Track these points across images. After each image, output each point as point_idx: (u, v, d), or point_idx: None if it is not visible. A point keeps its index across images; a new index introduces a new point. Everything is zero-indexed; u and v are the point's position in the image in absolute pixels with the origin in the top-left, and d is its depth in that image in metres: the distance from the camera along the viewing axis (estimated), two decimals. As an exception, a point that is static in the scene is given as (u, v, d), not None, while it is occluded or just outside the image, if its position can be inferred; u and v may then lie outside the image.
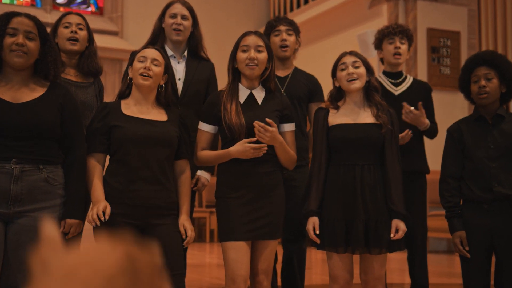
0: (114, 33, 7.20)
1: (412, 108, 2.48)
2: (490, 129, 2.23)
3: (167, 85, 2.13)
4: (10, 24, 1.85)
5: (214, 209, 6.58)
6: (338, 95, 2.17)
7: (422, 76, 5.78)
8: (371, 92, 2.14)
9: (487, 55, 2.25)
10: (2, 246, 1.80)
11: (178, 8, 2.47)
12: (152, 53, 2.08)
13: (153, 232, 1.98)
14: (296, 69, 2.71)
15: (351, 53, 2.14)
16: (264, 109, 2.09)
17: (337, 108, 2.16)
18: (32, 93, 1.88)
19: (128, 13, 7.31)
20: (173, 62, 2.47)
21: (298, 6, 7.32)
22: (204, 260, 5.28)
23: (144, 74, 2.03)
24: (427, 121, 2.56)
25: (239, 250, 1.98)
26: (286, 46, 2.62)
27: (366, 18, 6.25)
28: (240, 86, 2.12)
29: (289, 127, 2.14)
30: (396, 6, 5.93)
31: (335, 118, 2.12)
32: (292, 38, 2.64)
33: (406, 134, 2.48)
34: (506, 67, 2.20)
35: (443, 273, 4.22)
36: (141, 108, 2.07)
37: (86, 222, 2.00)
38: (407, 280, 3.28)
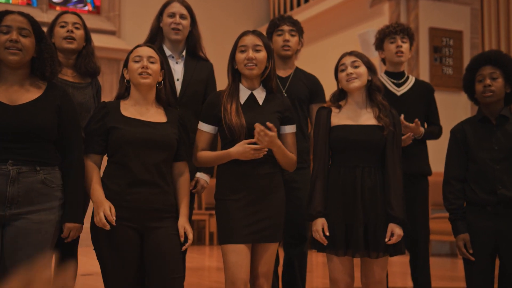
0: (112, 33, 7.20)
1: (407, 123, 2.49)
2: (494, 130, 2.23)
3: (165, 80, 2.13)
4: (3, 22, 1.85)
5: (213, 212, 6.55)
6: (341, 96, 2.18)
7: (424, 76, 5.79)
8: (373, 92, 2.14)
9: (493, 54, 2.25)
10: (-1, 249, 1.80)
11: (176, 7, 2.47)
12: (146, 51, 2.07)
13: (151, 235, 1.98)
14: (297, 69, 2.72)
15: (351, 53, 2.15)
16: (264, 110, 2.09)
17: (339, 107, 2.16)
18: (29, 94, 1.88)
19: (125, 12, 7.31)
20: (172, 62, 2.47)
21: (299, 5, 7.32)
22: (203, 264, 5.28)
23: (143, 73, 2.03)
24: (422, 129, 2.58)
25: (239, 253, 1.98)
26: (288, 47, 2.63)
27: (367, 17, 6.25)
28: (241, 86, 2.12)
29: (290, 128, 2.14)
30: (397, 5, 5.93)
31: (337, 118, 2.13)
32: (294, 39, 2.65)
33: (407, 137, 2.48)
34: (511, 67, 2.21)
35: (445, 277, 4.22)
36: (140, 109, 2.07)
37: (84, 225, 1.99)
38: (409, 283, 3.28)
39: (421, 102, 2.68)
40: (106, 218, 1.89)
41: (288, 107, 2.15)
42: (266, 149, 2.01)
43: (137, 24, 6.93)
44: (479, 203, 2.18)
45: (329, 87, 2.28)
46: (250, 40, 2.08)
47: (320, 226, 2.03)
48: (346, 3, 6.50)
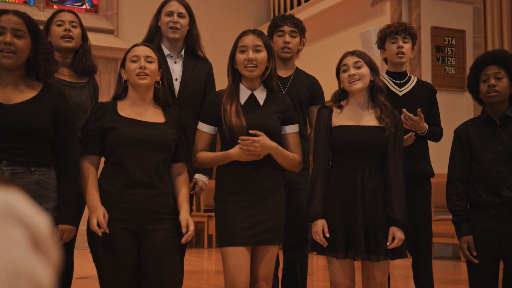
0: (109, 32, 7.19)
1: (411, 115, 2.47)
2: (498, 130, 2.22)
3: (163, 80, 2.12)
4: None
5: (212, 214, 6.59)
6: (342, 95, 2.16)
7: (426, 76, 5.78)
8: (376, 93, 2.12)
9: (498, 54, 2.24)
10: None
11: (174, 6, 2.46)
12: (143, 50, 2.06)
13: (149, 237, 1.97)
14: (297, 69, 2.70)
15: (353, 53, 2.13)
16: (265, 110, 2.08)
17: (340, 107, 2.15)
18: (25, 94, 1.87)
19: (123, 11, 7.30)
20: (170, 62, 2.46)
21: (299, 3, 7.32)
22: (202, 267, 5.26)
23: (141, 73, 2.02)
24: (425, 125, 2.55)
25: (239, 256, 1.97)
26: (288, 49, 2.61)
27: (369, 16, 6.24)
28: (241, 86, 2.10)
29: (292, 128, 2.13)
30: (399, 3, 5.93)
31: (338, 119, 2.11)
32: (295, 40, 2.63)
33: (409, 137, 2.47)
34: None
35: (449, 280, 4.21)
36: (137, 109, 2.06)
37: (79, 227, 1.98)
38: (412, 287, 3.27)
39: (423, 103, 2.67)
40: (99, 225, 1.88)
41: (289, 107, 2.14)
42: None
43: (135, 23, 6.92)
44: (483, 205, 2.17)
45: (330, 87, 2.27)
46: (250, 40, 2.07)
47: (320, 227, 2.02)
48: (347, 2, 6.50)
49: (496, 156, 2.18)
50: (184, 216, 2.01)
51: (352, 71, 2.08)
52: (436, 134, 2.65)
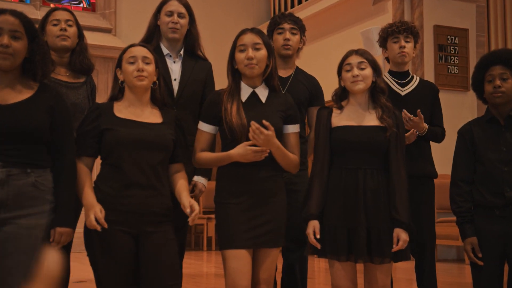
0: (107, 30, 7.19)
1: (411, 116, 2.47)
2: (503, 131, 2.22)
3: (160, 79, 2.12)
4: None
5: (211, 216, 6.58)
6: (343, 94, 2.16)
7: (429, 75, 5.78)
8: (377, 94, 2.12)
9: (504, 53, 2.24)
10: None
11: (174, 5, 2.45)
12: (140, 51, 2.06)
13: (147, 240, 1.96)
14: (298, 69, 2.70)
15: (358, 52, 2.13)
16: (267, 108, 2.08)
17: (340, 108, 2.15)
18: (21, 94, 1.87)
19: (121, 10, 7.30)
20: (169, 61, 2.46)
21: (300, 2, 7.32)
22: (201, 270, 5.26)
23: (139, 76, 2.01)
24: (425, 125, 2.56)
25: (240, 259, 1.97)
26: (289, 46, 2.61)
27: (370, 15, 6.25)
28: (242, 84, 2.10)
29: (293, 128, 2.12)
30: (401, 2, 5.93)
31: (338, 119, 2.11)
32: (295, 38, 2.63)
33: (411, 134, 2.46)
34: None
35: (452, 283, 4.21)
36: (134, 110, 2.06)
37: (76, 230, 1.98)
38: (415, 290, 3.26)
39: (425, 103, 2.67)
40: (97, 221, 1.87)
41: (291, 106, 2.14)
42: (268, 151, 1.99)
43: (134, 21, 6.92)
44: (487, 206, 2.17)
45: (331, 87, 2.27)
46: (249, 38, 2.07)
47: (311, 229, 2.02)
48: (349, 0, 6.50)
49: (500, 156, 2.18)
50: (186, 198, 1.99)
51: (356, 71, 2.07)
52: (437, 134, 2.65)
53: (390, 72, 2.74)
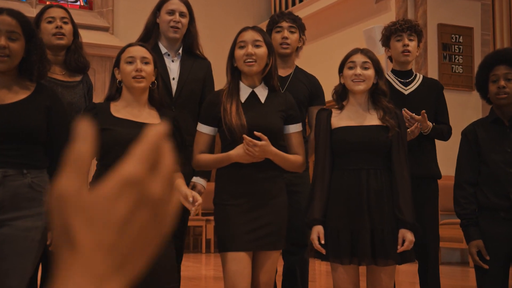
0: (104, 29, 7.20)
1: (413, 114, 2.47)
2: (507, 132, 2.22)
3: (158, 79, 2.12)
4: None
5: (210, 218, 6.58)
6: (343, 93, 2.16)
7: (433, 74, 5.77)
8: (378, 96, 2.12)
9: (508, 53, 2.24)
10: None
11: (175, 4, 2.45)
12: (139, 51, 2.06)
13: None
14: (297, 68, 2.70)
15: (363, 51, 2.13)
16: (267, 108, 2.08)
17: (341, 108, 2.15)
18: (17, 95, 1.87)
19: (119, 8, 7.30)
20: (167, 60, 2.46)
21: (301, 0, 7.32)
22: (200, 273, 5.26)
23: (138, 76, 2.02)
24: (429, 124, 2.55)
25: (240, 261, 1.97)
26: (287, 45, 2.61)
27: (373, 13, 6.25)
28: (241, 84, 2.11)
29: (295, 128, 2.13)
30: (404, 0, 5.93)
31: (339, 120, 2.11)
32: (294, 36, 2.63)
33: (415, 128, 2.46)
34: None
35: (456, 287, 4.21)
36: (132, 111, 2.06)
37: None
38: (418, 293, 3.26)
39: (429, 101, 2.66)
40: None
41: (291, 105, 2.14)
42: None
43: (131, 20, 6.92)
44: (492, 208, 2.17)
45: (332, 86, 2.27)
46: (249, 35, 2.07)
47: (315, 234, 2.02)
48: (351, -2, 6.50)
49: (505, 157, 2.18)
50: (187, 189, 1.99)
51: (359, 70, 2.08)
52: (443, 132, 2.64)
53: (393, 71, 2.74)
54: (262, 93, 2.11)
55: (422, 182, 2.58)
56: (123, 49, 2.09)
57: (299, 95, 2.58)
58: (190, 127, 2.32)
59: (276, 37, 2.63)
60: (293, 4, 7.41)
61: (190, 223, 4.80)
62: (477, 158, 2.24)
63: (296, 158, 2.09)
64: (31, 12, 6.40)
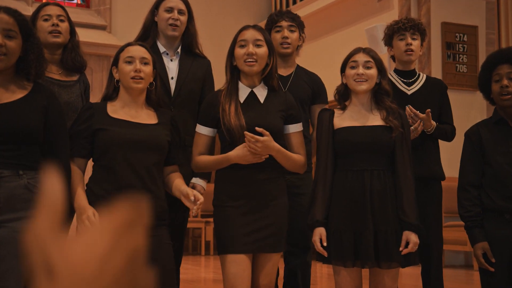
0: (102, 27, 7.20)
1: (417, 112, 2.47)
2: (512, 132, 2.22)
3: (156, 80, 2.12)
4: None
5: (210, 219, 6.58)
6: (346, 93, 2.17)
7: (437, 74, 5.77)
8: (381, 96, 2.12)
9: (511, 52, 2.24)
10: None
11: (174, 2, 2.45)
12: (139, 51, 2.06)
13: (143, 244, 1.96)
14: (298, 67, 2.70)
15: (365, 50, 2.13)
16: (266, 108, 2.08)
17: (343, 108, 2.15)
18: (14, 94, 1.87)
19: (116, 6, 7.31)
20: (166, 59, 2.46)
21: (302, -2, 7.32)
22: (199, 275, 5.26)
23: (136, 77, 2.02)
24: (433, 123, 2.55)
25: (240, 263, 1.97)
26: (288, 44, 2.61)
27: (375, 11, 6.25)
28: (240, 84, 2.11)
29: (295, 127, 2.13)
30: (408, -2, 5.93)
31: (341, 120, 2.11)
32: (294, 35, 2.63)
33: (419, 125, 2.45)
34: None
35: (460, 289, 4.20)
36: (129, 111, 2.06)
37: (70, 234, 1.98)
38: (421, 297, 3.26)
39: (433, 101, 2.66)
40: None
41: (292, 105, 2.14)
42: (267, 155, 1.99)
43: (129, 18, 6.93)
44: (496, 210, 2.17)
45: (334, 86, 2.27)
46: (250, 34, 2.07)
47: (317, 236, 2.02)
48: (353, -4, 6.50)
49: (510, 159, 2.18)
50: (187, 188, 1.99)
51: (361, 70, 2.08)
52: (446, 132, 2.64)
53: (395, 71, 2.74)
54: (261, 93, 2.11)
55: (426, 184, 2.58)
56: (122, 48, 2.10)
57: (301, 94, 2.59)
58: (189, 127, 2.32)
59: (276, 36, 2.63)
60: (294, 2, 7.42)
61: (189, 225, 4.81)
62: (480, 160, 2.24)
63: (298, 157, 2.09)
64: (27, 10, 6.41)
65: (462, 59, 5.99)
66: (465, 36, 6.01)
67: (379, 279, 2.04)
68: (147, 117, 2.08)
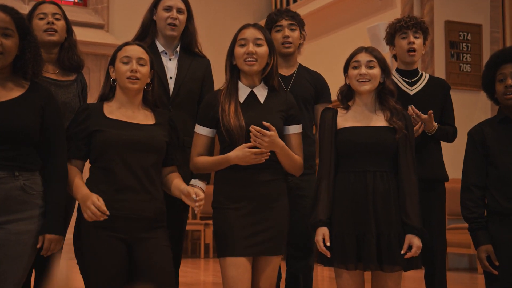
0: (99, 26, 7.20)
1: (419, 112, 2.47)
2: (517, 132, 2.22)
3: (154, 81, 2.13)
4: None
5: (209, 222, 6.58)
6: (349, 94, 2.17)
7: (440, 73, 5.77)
8: (385, 96, 2.12)
9: None
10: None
11: (173, 0, 2.46)
12: (136, 51, 2.07)
13: (140, 247, 1.97)
14: (300, 66, 2.70)
15: (367, 50, 2.13)
16: (266, 108, 2.09)
17: (347, 108, 2.15)
18: (11, 93, 1.87)
19: (114, 5, 7.31)
20: (164, 59, 2.47)
21: (302, -4, 7.32)
22: (198, 278, 5.26)
23: (132, 77, 2.02)
24: (435, 124, 2.55)
25: (239, 267, 1.97)
26: (289, 43, 2.61)
27: (378, 10, 6.25)
28: (240, 84, 2.11)
29: (295, 129, 2.13)
30: (410, -4, 5.93)
31: (344, 120, 2.11)
32: (295, 34, 2.63)
33: (420, 126, 2.45)
34: None
35: (464, 293, 4.20)
36: (126, 112, 2.07)
37: (67, 236, 1.98)
38: (424, 300, 3.26)
39: (436, 101, 2.66)
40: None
41: (292, 105, 2.14)
42: (269, 153, 1.99)
43: (127, 17, 6.93)
44: (501, 212, 2.17)
45: (336, 85, 2.27)
46: (250, 33, 2.08)
47: (320, 236, 2.02)
48: (354, -6, 6.50)
49: (515, 159, 2.18)
50: (187, 186, 1.99)
51: (364, 70, 2.08)
52: (448, 134, 2.64)
53: (398, 70, 2.74)
54: (261, 93, 2.11)
55: (429, 185, 2.58)
56: (119, 47, 2.10)
57: (304, 94, 2.58)
58: (188, 127, 2.32)
59: (277, 36, 2.62)
60: (294, 0, 7.42)
61: (188, 227, 4.80)
62: (484, 160, 2.24)
63: (298, 158, 2.10)
64: (23, 8, 6.41)
65: (466, 58, 5.99)
66: (469, 34, 6.01)
67: (382, 282, 2.04)
68: (144, 117, 2.08)
